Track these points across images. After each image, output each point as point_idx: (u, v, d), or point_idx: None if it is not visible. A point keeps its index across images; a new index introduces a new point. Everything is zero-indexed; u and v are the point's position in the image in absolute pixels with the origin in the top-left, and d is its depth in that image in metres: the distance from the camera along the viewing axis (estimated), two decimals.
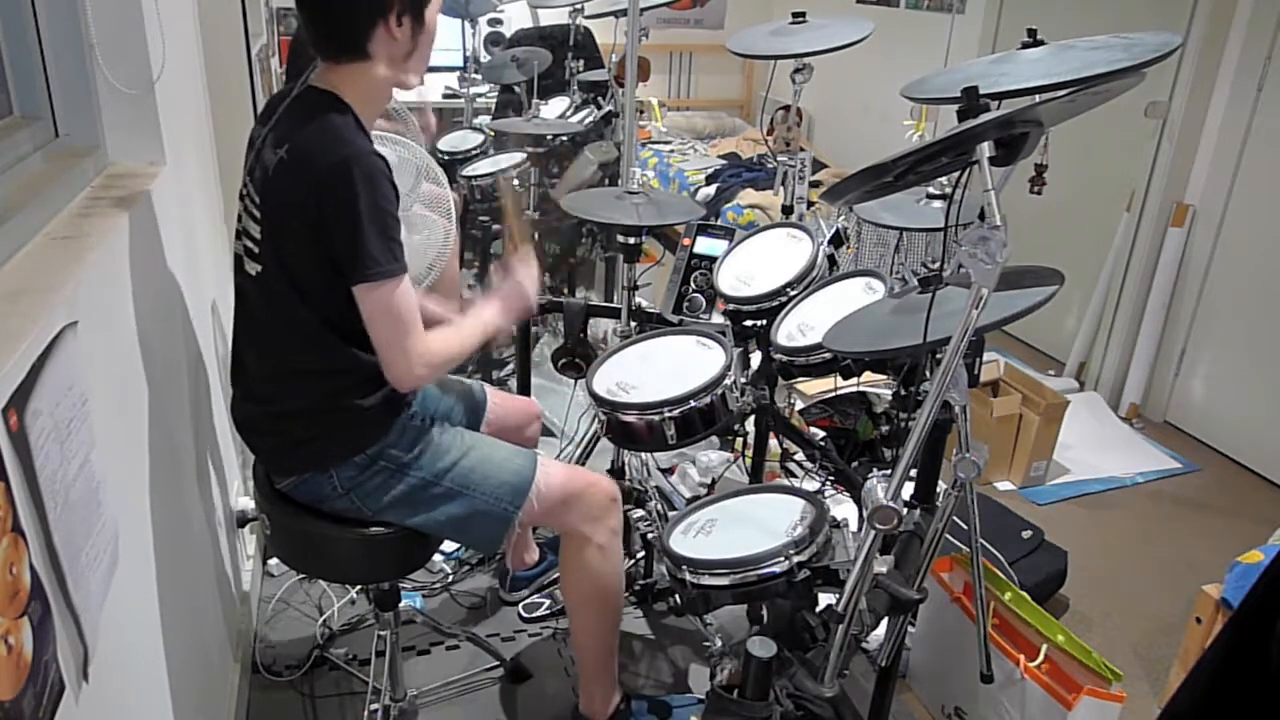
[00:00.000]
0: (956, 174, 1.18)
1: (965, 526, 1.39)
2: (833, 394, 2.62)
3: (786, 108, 2.36)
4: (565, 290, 3.48)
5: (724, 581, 1.44)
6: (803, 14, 2.19)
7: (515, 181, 3.06)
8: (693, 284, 2.32)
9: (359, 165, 1.33)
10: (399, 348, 1.40)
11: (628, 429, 1.74)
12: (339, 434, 1.49)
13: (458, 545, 2.40)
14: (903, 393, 1.73)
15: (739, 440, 2.49)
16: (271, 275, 1.42)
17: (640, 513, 2.12)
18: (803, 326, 1.82)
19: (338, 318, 1.42)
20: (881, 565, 1.30)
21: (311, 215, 1.34)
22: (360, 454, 1.50)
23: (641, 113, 3.70)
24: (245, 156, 1.49)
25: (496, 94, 4.12)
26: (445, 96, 4.55)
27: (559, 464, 1.71)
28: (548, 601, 2.27)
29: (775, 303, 1.91)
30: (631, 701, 1.92)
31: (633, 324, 2.16)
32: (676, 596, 1.52)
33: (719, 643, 1.91)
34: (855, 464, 2.65)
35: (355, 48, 1.39)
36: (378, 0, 1.36)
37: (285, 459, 1.54)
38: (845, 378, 1.76)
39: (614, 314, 2.24)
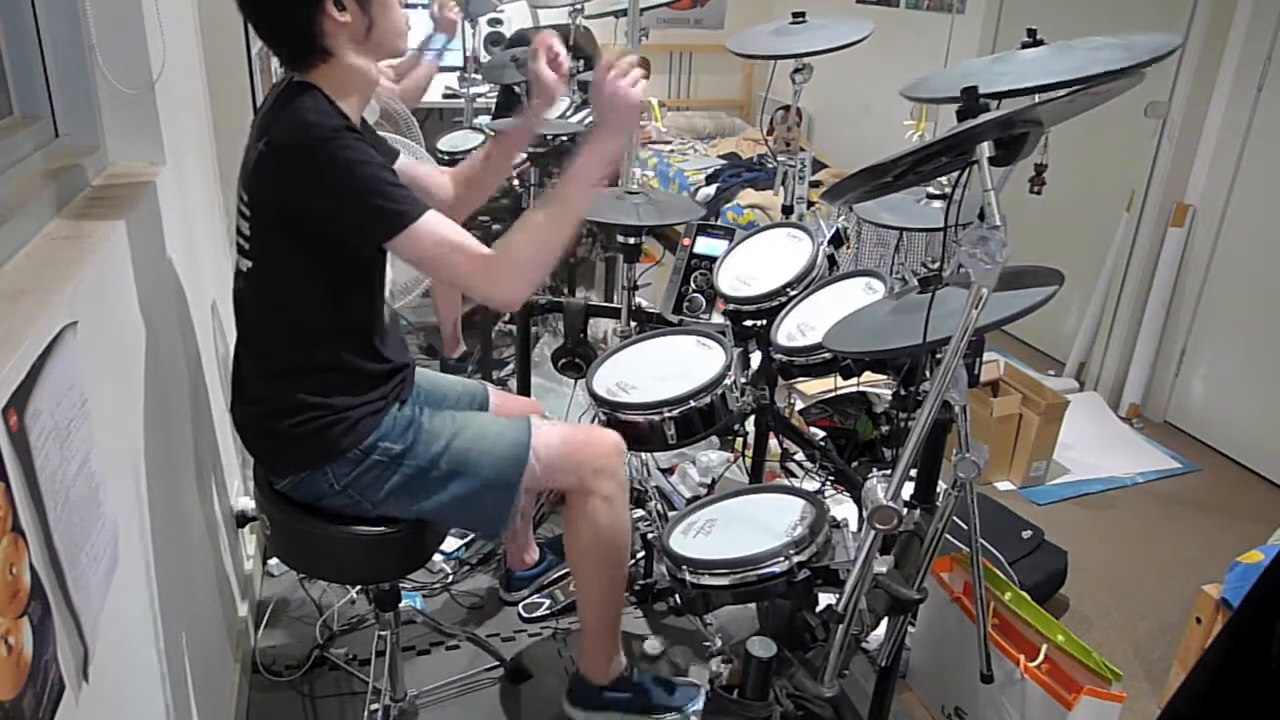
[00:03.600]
0: (956, 174, 1.18)
1: (965, 526, 1.38)
2: (833, 394, 2.62)
3: (786, 108, 2.36)
4: (565, 290, 3.48)
5: (724, 581, 1.44)
6: (803, 14, 2.19)
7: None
8: (693, 284, 2.32)
9: (324, 130, 1.31)
10: (468, 270, 1.35)
11: (628, 429, 1.74)
12: (330, 432, 1.49)
13: (466, 529, 2.39)
14: (903, 393, 1.74)
15: (739, 440, 2.49)
16: (261, 272, 1.43)
17: (640, 513, 2.12)
18: (803, 326, 1.82)
19: (324, 316, 1.42)
20: (881, 565, 1.30)
21: (291, 201, 1.34)
22: (353, 449, 1.50)
23: (642, 113, 3.70)
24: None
25: (496, 94, 4.12)
26: (445, 96, 4.55)
27: (555, 424, 1.69)
28: (548, 601, 2.27)
29: (775, 303, 1.91)
30: (635, 670, 1.89)
31: (633, 324, 2.16)
32: (676, 596, 1.52)
33: (719, 643, 1.91)
34: (855, 464, 2.65)
35: (313, 50, 1.38)
36: None
37: (281, 459, 1.54)
38: (845, 378, 1.76)
39: (614, 314, 2.24)
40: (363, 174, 1.32)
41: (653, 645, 2.12)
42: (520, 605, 2.27)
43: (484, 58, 4.04)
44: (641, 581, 2.24)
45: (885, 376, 1.96)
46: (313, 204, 1.33)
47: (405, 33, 1.46)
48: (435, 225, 1.35)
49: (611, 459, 1.68)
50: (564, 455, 1.63)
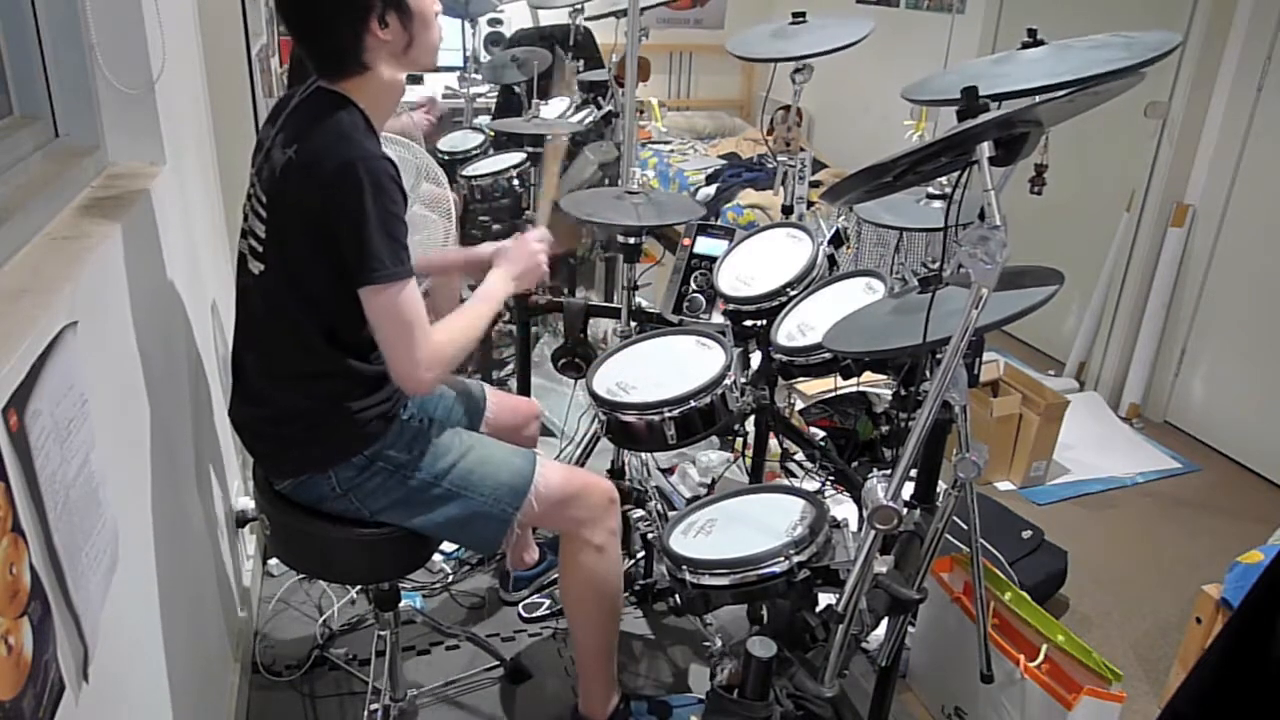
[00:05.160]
0: (956, 174, 1.18)
1: (965, 526, 1.38)
2: (833, 394, 2.62)
3: (786, 108, 2.36)
4: (565, 290, 3.48)
5: (724, 581, 1.44)
6: (803, 14, 2.19)
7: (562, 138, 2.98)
8: (693, 284, 2.32)
9: (367, 167, 1.32)
10: (405, 352, 1.39)
11: (628, 429, 1.74)
12: (335, 437, 1.49)
13: (457, 545, 2.40)
14: (903, 393, 1.73)
15: (739, 440, 2.48)
16: (273, 276, 1.42)
17: (640, 513, 2.12)
18: (803, 326, 1.82)
19: (336, 322, 1.42)
20: (881, 565, 1.30)
21: (317, 217, 1.34)
22: (358, 455, 1.50)
23: (641, 113, 3.70)
24: (253, 157, 1.49)
25: (496, 94, 4.12)
26: (445, 96, 4.55)
27: (557, 465, 1.70)
28: (548, 601, 2.27)
29: (775, 303, 1.91)
30: (631, 702, 1.91)
31: (633, 324, 2.16)
32: (676, 596, 1.52)
33: (719, 643, 1.91)
34: (855, 464, 2.65)
35: (353, 63, 1.39)
36: (354, 11, 1.35)
37: (283, 461, 1.54)
38: (845, 378, 1.76)
39: (614, 314, 2.24)
40: (382, 212, 1.33)
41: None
42: (520, 605, 2.27)
43: (484, 58, 4.04)
44: (641, 581, 2.24)
45: (885, 376, 1.96)
46: (333, 218, 1.33)
47: (439, 48, 1.47)
48: (407, 297, 1.37)
49: (605, 508, 1.70)
50: (561, 501, 1.64)
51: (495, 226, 3.24)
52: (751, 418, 2.04)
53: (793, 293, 1.90)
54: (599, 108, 3.33)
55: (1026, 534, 2.44)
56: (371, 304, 1.36)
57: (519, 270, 1.68)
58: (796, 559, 1.41)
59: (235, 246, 1.52)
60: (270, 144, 1.42)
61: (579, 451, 2.40)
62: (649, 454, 2.55)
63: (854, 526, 1.83)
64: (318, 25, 1.39)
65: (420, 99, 3.50)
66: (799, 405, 2.75)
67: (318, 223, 1.34)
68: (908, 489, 1.40)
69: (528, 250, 1.70)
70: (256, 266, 1.45)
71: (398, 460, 1.52)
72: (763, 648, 1.32)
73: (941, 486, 1.63)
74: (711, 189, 4.54)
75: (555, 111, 3.37)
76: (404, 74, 1.46)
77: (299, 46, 1.44)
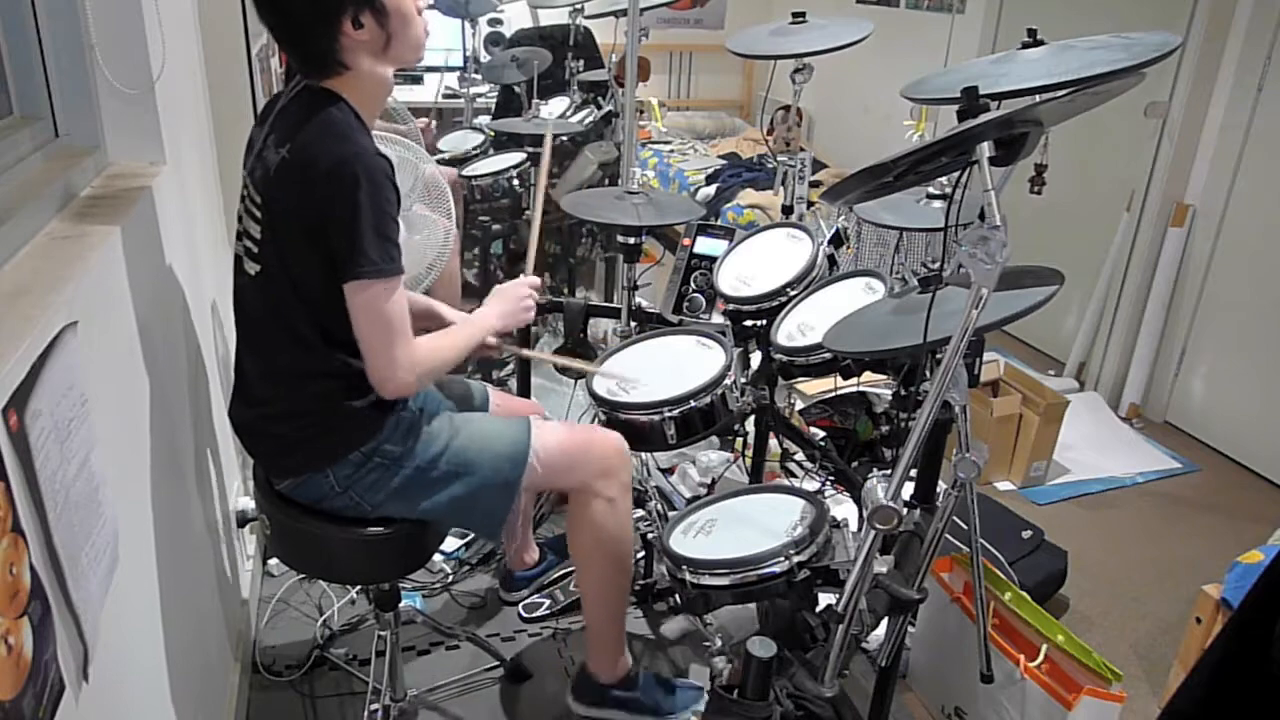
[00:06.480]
0: (956, 174, 1.18)
1: (965, 526, 1.38)
2: (833, 394, 2.62)
3: (786, 108, 2.36)
4: (565, 290, 3.48)
5: (724, 581, 1.44)
6: (803, 14, 2.19)
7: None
8: (693, 284, 2.32)
9: (362, 164, 1.32)
10: (385, 352, 1.39)
11: (628, 429, 1.74)
12: (333, 435, 1.49)
13: (465, 530, 2.39)
14: (903, 393, 1.74)
15: (739, 440, 2.48)
16: (270, 276, 1.42)
17: (640, 513, 2.12)
18: (803, 326, 1.82)
19: (333, 321, 1.42)
20: (881, 565, 1.30)
21: (312, 215, 1.34)
22: (355, 452, 1.50)
23: (641, 113, 3.70)
24: (244, 157, 1.49)
25: (496, 94, 4.12)
26: (445, 96, 4.55)
27: (555, 424, 1.69)
28: (548, 601, 2.27)
29: (775, 303, 1.91)
30: (641, 671, 1.90)
31: (633, 324, 2.16)
32: (676, 596, 1.52)
33: (719, 643, 1.91)
34: (855, 464, 2.64)
35: (331, 64, 1.38)
36: (325, 14, 1.34)
37: (282, 461, 1.54)
38: (845, 378, 1.76)
39: (614, 314, 2.24)
40: (375, 210, 1.33)
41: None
42: (520, 605, 2.27)
43: (484, 58, 4.04)
44: (641, 581, 2.24)
45: (885, 376, 1.96)
46: (327, 214, 1.33)
47: (424, 43, 1.46)
48: (393, 295, 1.37)
49: (614, 460, 1.68)
50: (565, 456, 1.63)
51: (495, 226, 3.25)
52: (751, 418, 2.04)
53: (793, 293, 1.90)
54: (599, 108, 3.34)
55: (1026, 534, 2.44)
56: (355, 300, 1.36)
57: (508, 310, 1.70)
58: (796, 559, 1.41)
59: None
60: (261, 145, 1.42)
61: None
62: (649, 454, 2.55)
63: (854, 526, 1.83)
64: (292, 29, 1.39)
65: (421, 122, 3.51)
66: (799, 405, 2.75)
67: (313, 220, 1.34)
68: (908, 489, 1.40)
69: (518, 294, 1.72)
70: (252, 267, 1.45)
71: (393, 453, 1.52)
72: (763, 648, 1.32)
73: (941, 486, 1.63)
74: (711, 189, 4.54)
75: (555, 111, 3.37)
76: (391, 69, 1.45)
77: (281, 49, 1.44)
